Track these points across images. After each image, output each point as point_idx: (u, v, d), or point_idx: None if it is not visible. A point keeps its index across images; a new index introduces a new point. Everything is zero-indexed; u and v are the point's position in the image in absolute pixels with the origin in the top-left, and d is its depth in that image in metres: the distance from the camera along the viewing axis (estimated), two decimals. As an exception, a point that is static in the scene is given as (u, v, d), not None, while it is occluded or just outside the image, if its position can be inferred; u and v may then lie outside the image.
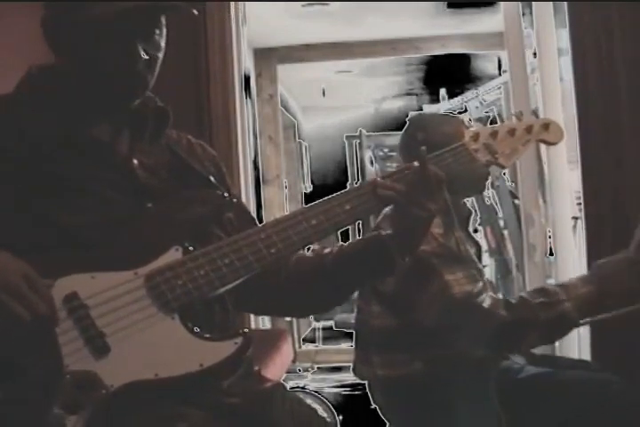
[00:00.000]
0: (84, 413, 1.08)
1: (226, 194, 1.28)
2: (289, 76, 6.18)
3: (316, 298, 1.44)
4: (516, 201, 4.35)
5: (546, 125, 1.47)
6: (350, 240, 1.46)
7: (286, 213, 1.29)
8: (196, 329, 1.17)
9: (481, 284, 1.82)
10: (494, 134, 1.42)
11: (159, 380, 1.12)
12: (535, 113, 1.43)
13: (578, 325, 1.81)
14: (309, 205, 1.28)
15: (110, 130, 1.30)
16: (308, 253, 1.45)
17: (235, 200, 1.35)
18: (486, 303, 1.75)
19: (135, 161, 1.28)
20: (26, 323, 1.06)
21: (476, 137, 1.41)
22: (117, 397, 1.10)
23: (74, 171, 1.22)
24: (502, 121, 5.09)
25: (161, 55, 1.29)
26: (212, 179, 1.35)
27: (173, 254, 1.19)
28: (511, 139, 1.44)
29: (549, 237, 3.17)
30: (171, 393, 1.14)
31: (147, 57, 1.24)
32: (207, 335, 1.17)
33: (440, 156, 1.37)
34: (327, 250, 1.43)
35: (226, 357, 1.16)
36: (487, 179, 2.09)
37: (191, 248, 1.20)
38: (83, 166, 1.23)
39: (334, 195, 1.29)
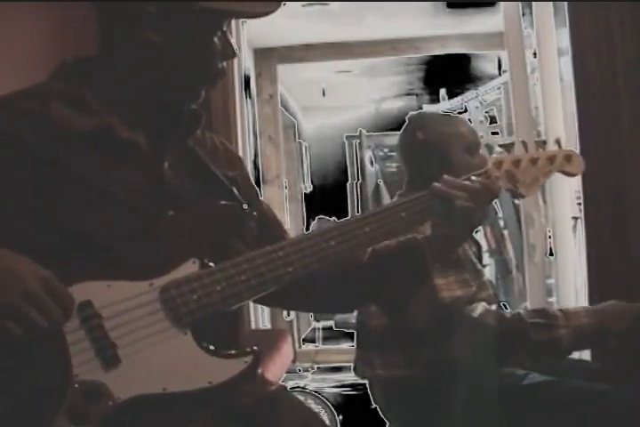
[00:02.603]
0: (89, 424, 1.06)
1: (245, 206, 1.25)
2: (289, 76, 6.18)
3: (345, 296, 1.43)
4: (516, 201, 4.35)
5: (568, 157, 1.46)
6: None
7: (306, 233, 1.28)
8: (209, 346, 1.15)
9: (473, 289, 1.81)
10: (517, 163, 1.43)
11: (167, 394, 1.11)
12: (558, 142, 1.42)
13: (569, 353, 1.80)
14: (329, 226, 1.27)
15: (146, 131, 1.26)
16: None
17: (254, 212, 1.32)
18: (476, 312, 1.74)
19: (166, 164, 1.24)
20: (43, 330, 1.03)
21: (499, 165, 1.42)
22: (124, 409, 1.09)
23: (97, 171, 1.17)
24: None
25: None
26: (234, 190, 1.31)
27: (190, 267, 1.16)
28: (533, 168, 1.44)
29: (549, 237, 3.17)
30: (178, 407, 1.13)
31: (220, 66, 1.27)
32: (219, 353, 1.15)
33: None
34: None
35: (235, 375, 1.14)
36: None
37: (208, 262, 1.17)
38: (108, 167, 1.18)
39: (354, 217, 1.30)
